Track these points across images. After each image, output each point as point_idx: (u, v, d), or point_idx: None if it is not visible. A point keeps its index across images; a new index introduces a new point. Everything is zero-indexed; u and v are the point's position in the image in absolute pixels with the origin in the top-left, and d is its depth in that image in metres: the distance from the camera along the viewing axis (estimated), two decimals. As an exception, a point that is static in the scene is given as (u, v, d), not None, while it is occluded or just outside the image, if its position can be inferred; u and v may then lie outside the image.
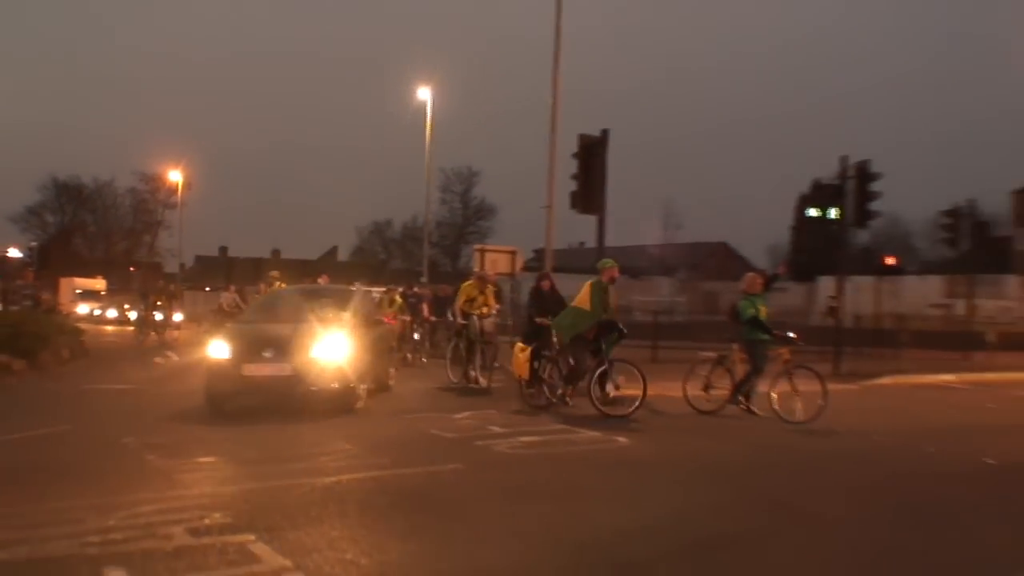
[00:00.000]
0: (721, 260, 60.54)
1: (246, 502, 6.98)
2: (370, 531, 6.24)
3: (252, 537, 5.93)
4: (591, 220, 16.90)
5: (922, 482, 8.46)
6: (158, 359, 21.50)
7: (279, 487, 7.50)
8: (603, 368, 12.05)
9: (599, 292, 12.22)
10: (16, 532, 5.97)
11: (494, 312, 16.15)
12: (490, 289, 16.21)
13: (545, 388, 12.99)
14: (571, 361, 12.54)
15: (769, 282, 12.91)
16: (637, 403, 11.80)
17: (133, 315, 33.57)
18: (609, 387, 11.96)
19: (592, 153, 14.96)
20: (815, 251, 18.07)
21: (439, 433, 10.36)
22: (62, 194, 68.09)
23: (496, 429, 10.72)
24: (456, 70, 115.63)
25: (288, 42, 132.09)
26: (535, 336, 13.66)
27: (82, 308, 39.47)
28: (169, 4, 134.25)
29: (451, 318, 20.35)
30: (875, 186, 19.25)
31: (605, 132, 15.05)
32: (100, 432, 10.41)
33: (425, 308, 20.62)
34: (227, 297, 26.97)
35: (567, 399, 12.63)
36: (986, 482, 8.59)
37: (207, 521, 6.33)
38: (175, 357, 22.06)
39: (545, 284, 14.53)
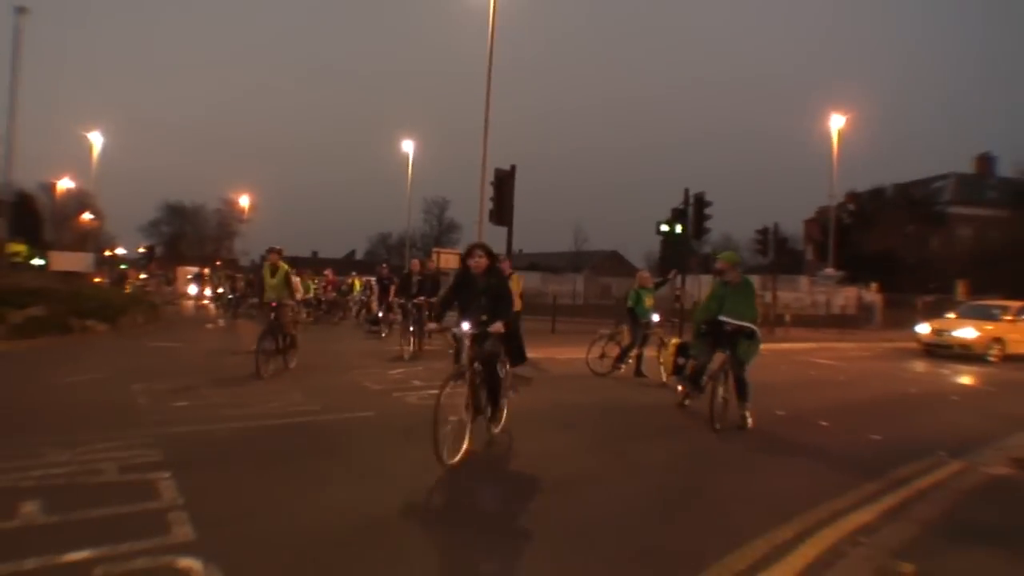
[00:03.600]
0: (613, 263, 60.97)
1: (183, 442, 5.77)
2: (263, 471, 5.10)
3: (167, 475, 4.75)
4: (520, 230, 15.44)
5: (721, 432, 7.17)
6: (208, 325, 20.03)
7: (217, 430, 6.25)
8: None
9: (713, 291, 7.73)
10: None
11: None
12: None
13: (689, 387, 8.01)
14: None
15: (659, 284, 11.47)
16: None
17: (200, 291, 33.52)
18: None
19: (503, 182, 13.81)
20: (675, 257, 17.28)
21: (369, 385, 9.04)
22: (172, 212, 67.71)
23: (417, 383, 9.33)
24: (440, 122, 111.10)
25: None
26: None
27: (192, 288, 37.09)
28: None
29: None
30: (709, 211, 18.46)
31: (513, 167, 14.02)
32: (122, 378, 8.69)
33: (392, 290, 18.98)
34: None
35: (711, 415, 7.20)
36: (774, 431, 7.35)
37: (141, 460, 5.13)
38: (221, 323, 20.64)
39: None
